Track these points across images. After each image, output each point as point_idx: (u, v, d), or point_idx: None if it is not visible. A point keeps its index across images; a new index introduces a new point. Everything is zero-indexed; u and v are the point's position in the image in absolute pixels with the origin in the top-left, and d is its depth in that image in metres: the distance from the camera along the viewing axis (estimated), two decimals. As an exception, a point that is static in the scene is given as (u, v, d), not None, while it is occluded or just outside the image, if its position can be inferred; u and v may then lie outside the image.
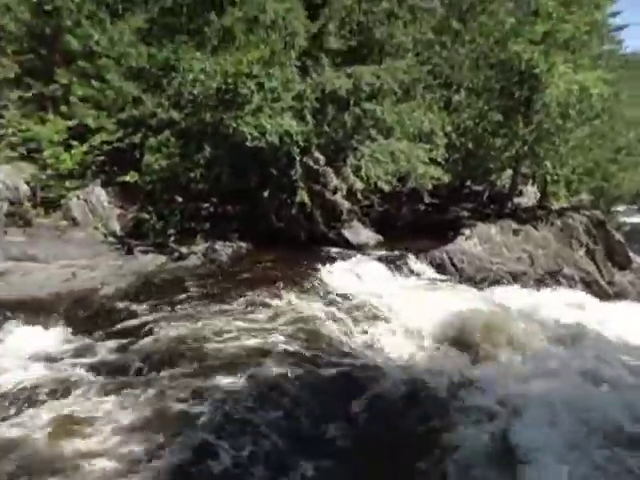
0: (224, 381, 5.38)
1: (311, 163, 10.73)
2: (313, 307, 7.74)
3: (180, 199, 10.79)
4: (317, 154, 10.96)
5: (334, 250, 10.92)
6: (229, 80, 9.36)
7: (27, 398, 4.92)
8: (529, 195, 15.68)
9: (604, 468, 4.55)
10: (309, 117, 10.15)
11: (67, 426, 4.54)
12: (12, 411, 4.73)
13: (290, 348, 6.30)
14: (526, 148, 12.66)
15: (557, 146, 12.54)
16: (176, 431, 4.52)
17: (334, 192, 11.31)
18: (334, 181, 11.28)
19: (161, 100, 10.79)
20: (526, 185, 15.76)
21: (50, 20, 11.33)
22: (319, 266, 9.55)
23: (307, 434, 4.87)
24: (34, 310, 7.04)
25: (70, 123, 11.01)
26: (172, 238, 10.18)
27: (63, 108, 11.23)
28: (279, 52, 9.78)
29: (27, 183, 10.42)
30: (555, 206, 14.07)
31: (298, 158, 10.40)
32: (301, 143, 10.01)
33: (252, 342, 6.37)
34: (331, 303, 8.20)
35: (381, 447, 4.82)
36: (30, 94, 11.28)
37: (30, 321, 6.57)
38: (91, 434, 4.44)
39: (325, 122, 10.64)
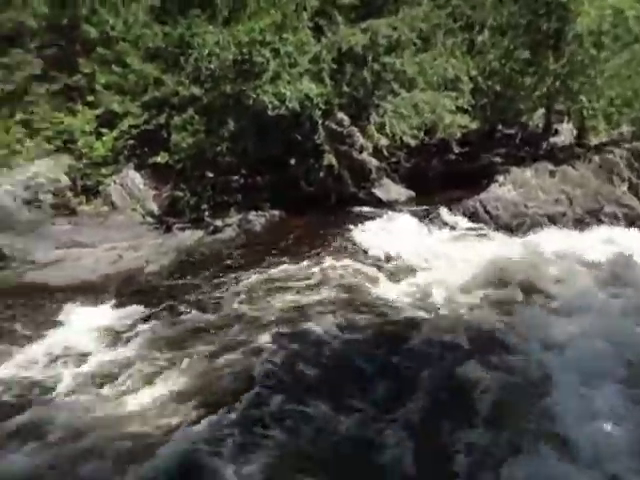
0: (273, 339, 5.79)
1: (334, 125, 10.65)
2: (350, 267, 7.93)
3: (210, 174, 11.02)
4: (340, 115, 10.85)
5: (365, 209, 10.95)
6: (244, 50, 9.36)
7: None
8: (565, 133, 14.94)
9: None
10: (327, 78, 10.03)
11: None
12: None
13: (332, 306, 6.61)
14: (558, 84, 12.05)
15: (592, 78, 11.84)
16: (234, 385, 5.07)
17: (360, 151, 11.23)
18: (360, 140, 11.18)
19: (181, 78, 10.88)
20: (561, 123, 15.02)
21: (66, 11, 11.50)
22: (352, 227, 9.66)
23: (349, 384, 5.16)
24: (89, 292, 7.60)
25: (97, 111, 11.32)
26: (207, 213, 10.48)
27: (89, 97, 11.53)
28: (291, 15, 9.63)
29: (66, 174, 10.94)
30: (594, 142, 13.41)
31: (320, 121, 10.35)
32: (322, 106, 9.95)
33: (297, 302, 6.77)
34: (367, 261, 8.36)
35: (424, 393, 5.01)
36: (57, 87, 11.61)
37: (87, 302, 7.11)
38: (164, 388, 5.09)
39: (344, 81, 10.47)
